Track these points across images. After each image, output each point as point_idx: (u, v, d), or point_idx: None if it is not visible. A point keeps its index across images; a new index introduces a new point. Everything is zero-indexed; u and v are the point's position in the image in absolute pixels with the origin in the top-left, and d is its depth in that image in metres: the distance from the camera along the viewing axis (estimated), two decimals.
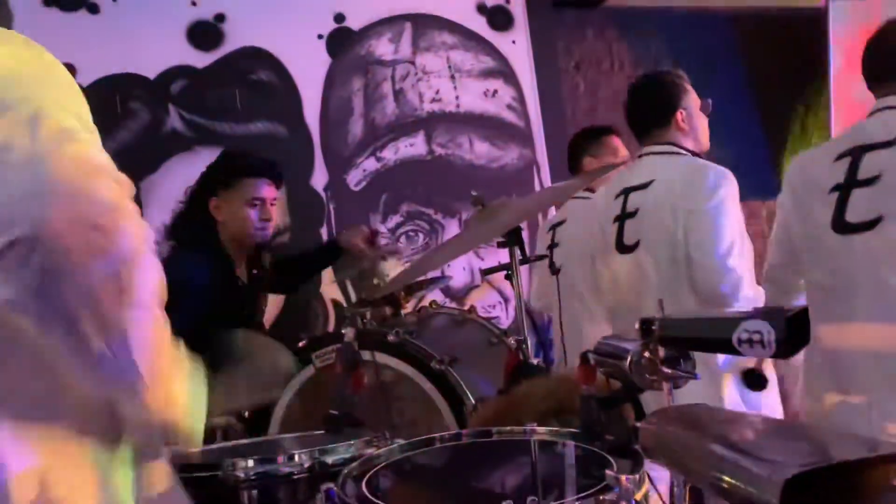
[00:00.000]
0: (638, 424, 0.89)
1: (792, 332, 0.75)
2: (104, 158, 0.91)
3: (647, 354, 0.90)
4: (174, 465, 1.32)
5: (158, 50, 3.15)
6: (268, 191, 2.46)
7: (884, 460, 0.57)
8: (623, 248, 2.33)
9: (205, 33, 3.20)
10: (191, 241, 2.44)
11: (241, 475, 1.26)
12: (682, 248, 2.15)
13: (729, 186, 2.16)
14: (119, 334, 0.86)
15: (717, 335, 0.79)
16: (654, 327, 0.89)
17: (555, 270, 2.97)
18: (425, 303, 3.05)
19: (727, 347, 0.78)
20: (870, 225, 1.70)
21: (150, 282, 0.89)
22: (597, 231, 2.48)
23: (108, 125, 3.09)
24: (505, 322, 3.40)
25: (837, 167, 1.77)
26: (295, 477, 1.28)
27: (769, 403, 2.20)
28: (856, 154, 1.75)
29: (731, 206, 2.15)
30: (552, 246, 2.97)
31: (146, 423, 0.95)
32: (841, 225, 1.75)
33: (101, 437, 0.96)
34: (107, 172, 0.87)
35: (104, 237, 0.83)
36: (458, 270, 3.44)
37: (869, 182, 1.71)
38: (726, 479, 0.68)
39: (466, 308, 2.93)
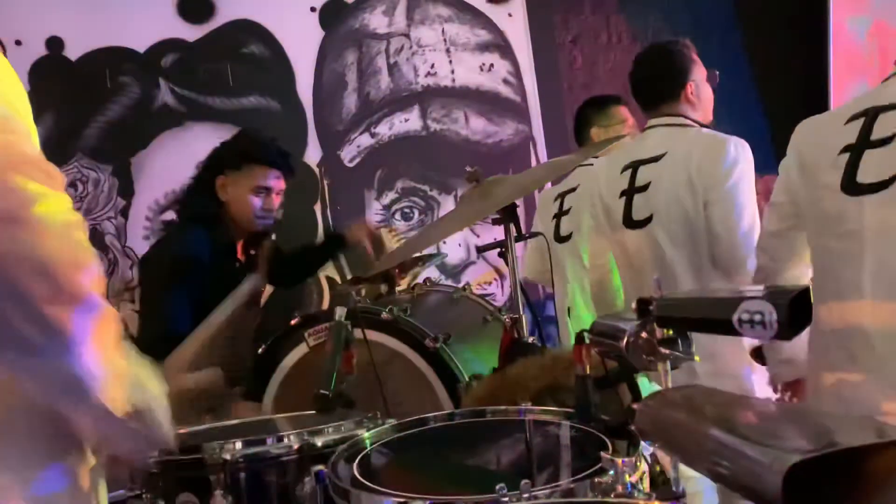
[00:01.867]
0: (634, 406, 0.87)
1: (794, 312, 0.73)
2: (32, 150, 0.88)
3: (644, 335, 0.87)
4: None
5: (148, 23, 3.10)
6: (275, 182, 2.43)
7: (891, 446, 0.55)
8: (632, 223, 2.28)
9: (195, 6, 3.14)
10: (194, 215, 2.41)
11: (228, 457, 1.23)
12: (702, 223, 2.12)
13: (747, 158, 2.15)
14: (57, 334, 0.82)
15: (716, 315, 0.77)
16: (651, 307, 0.86)
17: (560, 238, 2.89)
18: (420, 280, 3.04)
19: (727, 328, 0.76)
20: (883, 185, 1.63)
21: (89, 277, 0.85)
22: (597, 203, 2.44)
23: (96, 100, 3.05)
24: (500, 299, 3.38)
25: (849, 129, 1.71)
26: (284, 459, 1.25)
27: None
28: (870, 115, 1.69)
29: (749, 178, 2.14)
30: (560, 214, 2.89)
31: (102, 427, 0.92)
32: (852, 186, 1.69)
33: (59, 441, 0.94)
34: (33, 164, 0.83)
35: (23, 230, 0.80)
36: (454, 247, 3.42)
37: (883, 142, 1.65)
38: (726, 465, 0.65)
39: (461, 285, 2.90)
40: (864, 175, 1.66)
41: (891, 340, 1.63)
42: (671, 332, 0.85)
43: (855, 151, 1.67)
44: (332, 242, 2.76)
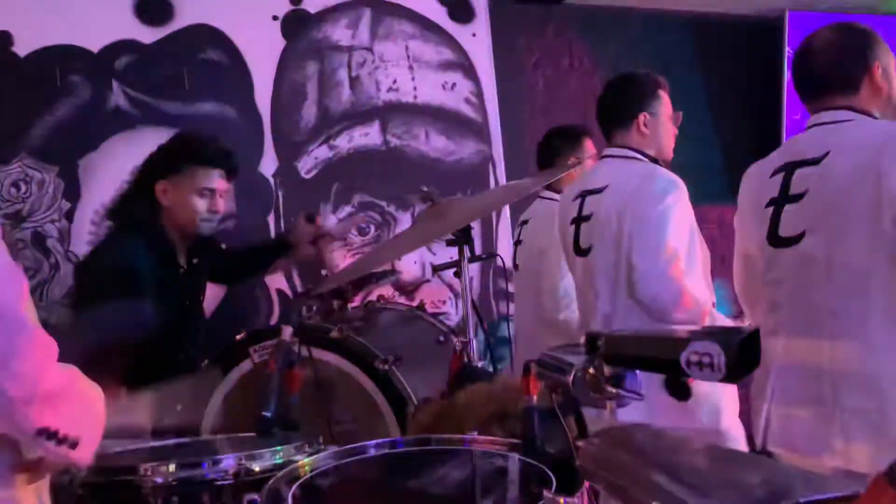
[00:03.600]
0: (579, 443, 0.84)
1: (743, 354, 0.71)
2: None
3: (591, 371, 0.86)
4: (94, 466, 1.25)
5: (103, 22, 3.01)
6: (219, 182, 2.36)
7: (839, 502, 0.54)
8: (580, 251, 2.32)
9: (154, 8, 3.06)
10: (132, 223, 2.33)
11: (161, 480, 1.17)
12: (627, 255, 2.13)
13: (677, 194, 2.15)
14: None
15: (664, 355, 0.75)
16: (599, 342, 0.84)
17: (516, 267, 2.97)
18: (374, 297, 3.00)
19: (675, 368, 0.74)
20: (796, 240, 1.74)
21: (10, 297, 0.81)
22: (560, 232, 2.47)
23: (45, 99, 2.95)
24: (455, 318, 3.35)
25: (773, 182, 1.83)
26: (219, 484, 1.20)
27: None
28: (788, 170, 1.79)
29: (678, 213, 2.13)
30: (517, 242, 2.97)
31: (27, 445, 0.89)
32: (775, 239, 1.80)
33: None
34: None
35: None
36: (410, 264, 3.38)
37: (797, 198, 1.75)
38: None
39: (416, 304, 2.88)
40: (784, 229, 1.77)
41: (797, 384, 1.72)
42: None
43: (777, 205, 1.79)
44: (277, 242, 2.70)
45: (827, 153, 1.72)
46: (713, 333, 0.73)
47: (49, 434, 0.93)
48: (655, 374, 0.84)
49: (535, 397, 1.05)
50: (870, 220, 1.63)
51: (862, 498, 0.50)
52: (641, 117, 2.29)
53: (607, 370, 0.85)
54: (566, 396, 0.95)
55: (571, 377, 0.87)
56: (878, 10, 4.09)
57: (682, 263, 2.08)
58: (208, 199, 2.32)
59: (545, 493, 0.86)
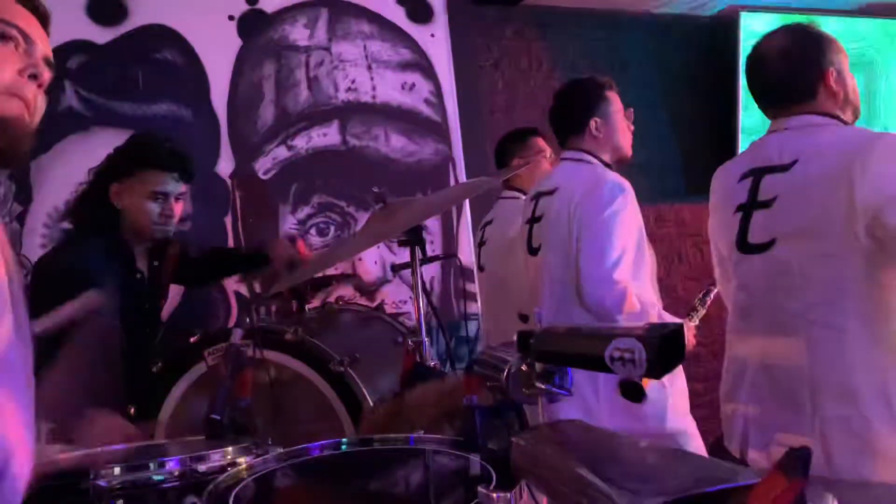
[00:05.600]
0: (512, 439, 0.86)
1: (664, 351, 0.73)
2: None
3: (524, 367, 0.87)
4: (37, 471, 1.24)
5: (55, 22, 2.87)
6: (173, 186, 2.32)
7: (734, 493, 0.56)
8: (532, 250, 2.35)
9: (106, 7, 3.02)
10: (89, 225, 2.30)
11: (105, 484, 1.16)
12: (574, 258, 2.16)
13: (624, 198, 2.17)
14: None
15: (589, 352, 0.77)
16: (531, 340, 0.86)
17: (480, 268, 3.01)
18: (332, 298, 2.99)
19: (600, 365, 0.76)
20: (766, 246, 1.74)
21: None
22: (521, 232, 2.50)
23: None
24: (415, 318, 3.36)
25: (741, 187, 1.82)
26: (165, 486, 1.20)
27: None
28: (756, 175, 1.79)
29: (624, 218, 2.15)
30: (481, 244, 2.99)
31: None
32: (744, 245, 1.80)
33: None
34: None
35: None
36: (370, 264, 3.38)
37: (766, 204, 1.75)
38: None
39: (375, 304, 2.88)
40: (753, 235, 1.77)
41: (769, 385, 1.73)
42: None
43: (746, 211, 1.78)
44: (254, 255, 2.66)
45: (795, 161, 1.71)
46: (635, 330, 0.75)
47: None
48: (593, 372, 0.86)
49: (475, 395, 1.06)
50: (843, 227, 1.61)
51: (758, 487, 0.52)
52: (592, 123, 2.32)
53: (539, 367, 0.86)
54: (503, 394, 0.97)
55: (505, 374, 0.88)
56: None
57: (628, 267, 2.10)
58: (161, 203, 2.29)
59: (480, 488, 0.87)
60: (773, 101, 1.86)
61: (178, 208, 2.37)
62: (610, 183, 2.19)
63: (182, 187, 2.36)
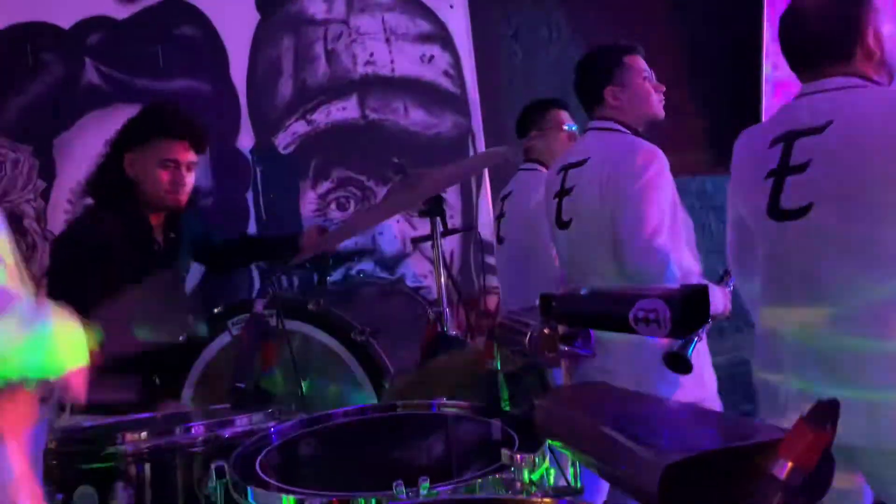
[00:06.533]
0: (535, 402, 0.86)
1: (688, 311, 0.73)
2: None
3: (546, 331, 0.87)
4: (65, 437, 1.26)
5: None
6: (184, 154, 2.32)
7: (761, 448, 0.55)
8: (561, 223, 2.32)
9: None
10: (106, 197, 2.32)
11: (131, 448, 1.19)
12: (610, 228, 2.13)
13: (657, 165, 2.14)
14: None
15: (613, 313, 0.77)
16: (553, 304, 0.86)
17: (500, 240, 2.98)
18: (354, 272, 3.01)
19: (624, 326, 0.76)
20: (801, 212, 1.70)
21: None
22: (546, 207, 2.47)
23: (17, 77, 2.91)
24: (435, 292, 3.36)
25: (772, 153, 1.76)
26: (190, 451, 1.22)
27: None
28: (788, 140, 1.74)
29: (659, 184, 2.12)
30: (500, 216, 2.96)
31: None
32: (776, 212, 1.75)
33: None
34: None
35: None
36: (390, 238, 3.38)
37: (800, 169, 1.70)
38: (611, 462, 0.65)
39: (395, 278, 2.89)
40: (786, 201, 1.71)
41: (807, 353, 1.69)
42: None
43: (778, 177, 1.72)
44: (286, 242, 2.62)
45: (830, 122, 1.66)
46: (659, 291, 0.74)
47: None
48: (611, 333, 0.85)
49: (498, 360, 1.07)
50: (882, 190, 1.58)
51: (784, 440, 0.51)
52: (608, 92, 2.28)
53: (562, 330, 0.86)
54: (525, 358, 0.97)
55: (528, 338, 0.88)
56: None
57: (667, 234, 2.08)
58: (172, 171, 2.30)
59: (503, 451, 0.87)
60: (808, 61, 1.80)
61: (189, 177, 2.37)
62: (643, 150, 2.15)
63: (194, 156, 2.37)
